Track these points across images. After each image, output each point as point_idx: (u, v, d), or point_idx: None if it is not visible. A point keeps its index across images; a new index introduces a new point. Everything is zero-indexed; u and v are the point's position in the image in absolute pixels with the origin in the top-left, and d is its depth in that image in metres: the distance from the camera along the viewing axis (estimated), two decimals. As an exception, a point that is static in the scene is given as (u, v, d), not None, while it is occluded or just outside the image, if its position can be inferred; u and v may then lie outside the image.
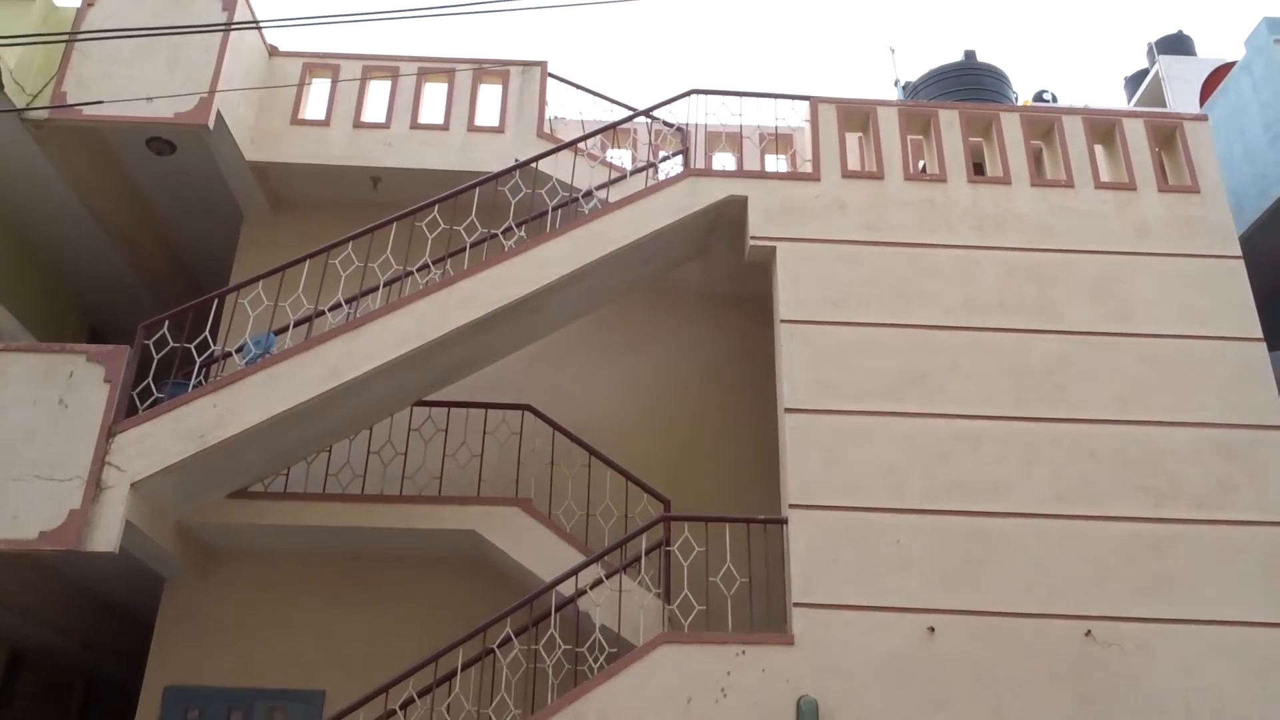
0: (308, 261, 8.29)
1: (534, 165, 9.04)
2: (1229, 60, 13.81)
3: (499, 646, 7.32)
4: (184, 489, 7.69)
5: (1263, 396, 7.96)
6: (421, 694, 7.11)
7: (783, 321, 8.15)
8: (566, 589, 7.52)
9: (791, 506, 7.50)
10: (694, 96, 9.15)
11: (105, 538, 6.92)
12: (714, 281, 9.93)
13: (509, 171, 8.93)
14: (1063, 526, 7.46)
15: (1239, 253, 8.53)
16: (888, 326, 8.12)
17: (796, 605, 7.19)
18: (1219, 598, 7.27)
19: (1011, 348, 8.08)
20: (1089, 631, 7.13)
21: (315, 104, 10.29)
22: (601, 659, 7.28)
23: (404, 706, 7.07)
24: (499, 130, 10.17)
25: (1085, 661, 7.07)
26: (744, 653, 7.00)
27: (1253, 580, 7.33)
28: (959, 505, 7.51)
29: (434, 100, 10.32)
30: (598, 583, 7.61)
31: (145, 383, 7.64)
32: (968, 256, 8.41)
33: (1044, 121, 9.16)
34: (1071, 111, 9.34)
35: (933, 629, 7.11)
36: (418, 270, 8.68)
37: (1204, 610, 7.23)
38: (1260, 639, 7.15)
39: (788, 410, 7.83)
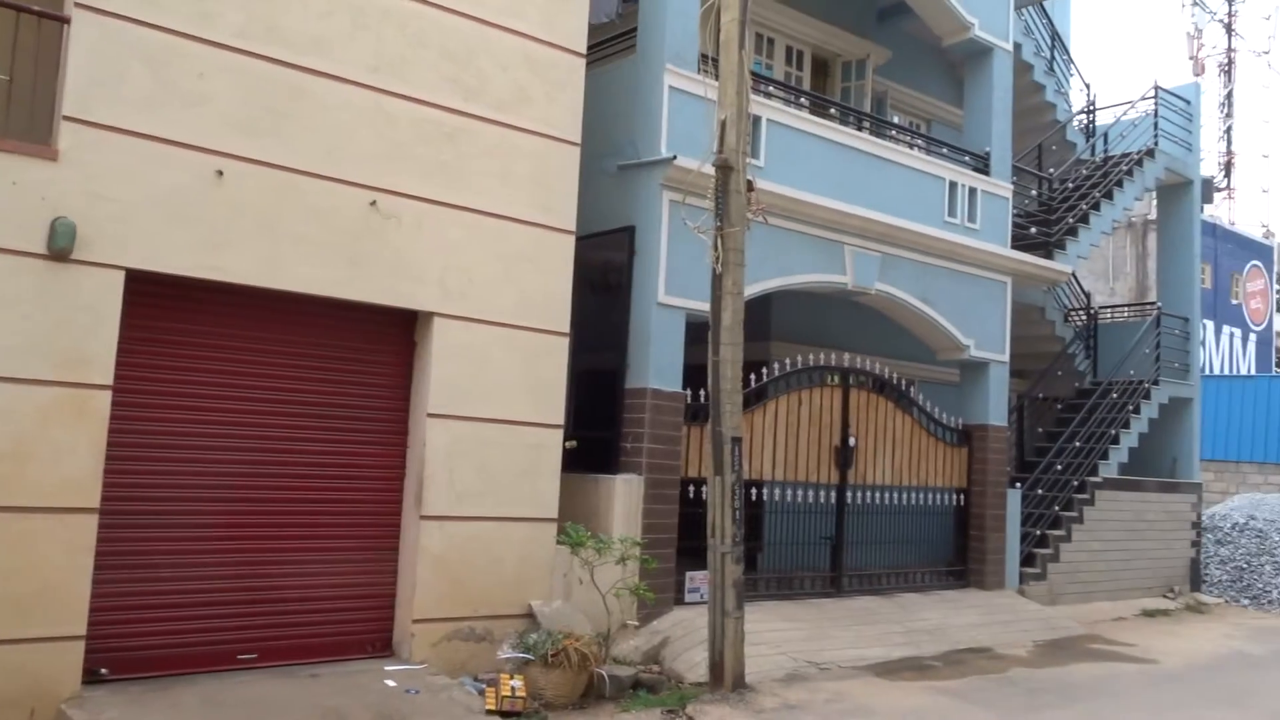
0: None
1: None
2: None
3: None
4: None
5: (574, 24, 8.65)
6: None
7: None
8: None
9: (77, 5, 6.37)
10: None
11: None
12: None
13: None
14: (373, 98, 7.51)
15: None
16: None
17: (67, 119, 6.31)
18: (491, 193, 8.06)
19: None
20: (374, 202, 7.47)
21: None
22: None
23: None
24: None
25: (364, 229, 7.43)
26: (-8, 160, 6.03)
27: (523, 183, 8.24)
28: (274, 52, 7.08)
29: None
30: None
31: None
32: None
33: None
34: None
35: (221, 172, 6.82)
36: None
37: (476, 201, 7.98)
38: (514, 233, 8.17)
39: (90, -112, 6.44)
